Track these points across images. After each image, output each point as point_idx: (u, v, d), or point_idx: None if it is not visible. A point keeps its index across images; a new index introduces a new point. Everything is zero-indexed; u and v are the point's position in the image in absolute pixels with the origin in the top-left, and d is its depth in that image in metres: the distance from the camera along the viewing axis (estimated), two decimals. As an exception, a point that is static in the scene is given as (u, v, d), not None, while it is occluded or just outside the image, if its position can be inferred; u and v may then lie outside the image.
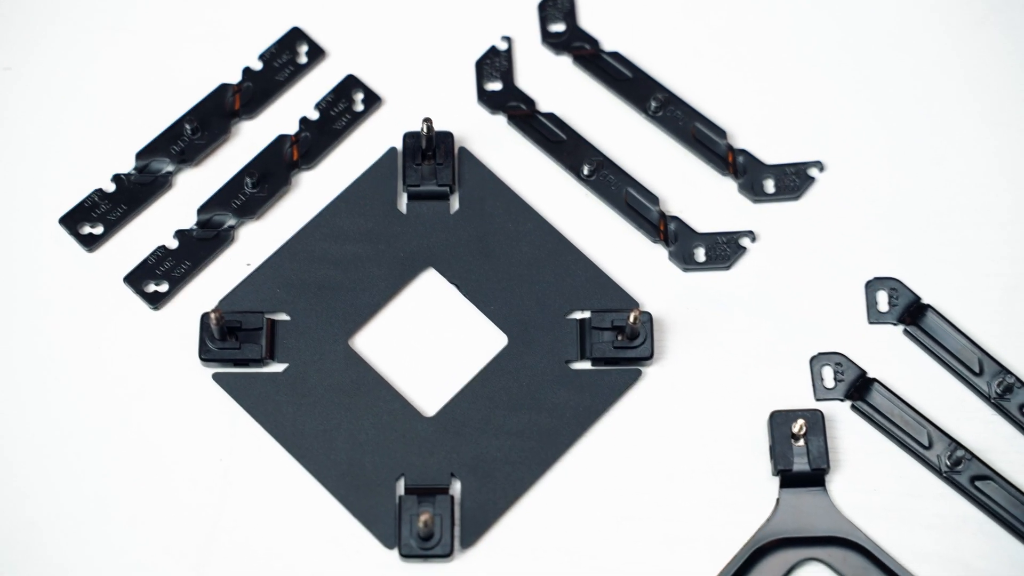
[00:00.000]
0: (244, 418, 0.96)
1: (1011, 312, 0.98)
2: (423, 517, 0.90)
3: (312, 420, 0.96)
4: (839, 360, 0.97)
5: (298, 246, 1.01)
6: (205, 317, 0.96)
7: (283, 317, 0.99)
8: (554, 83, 1.06)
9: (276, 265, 1.00)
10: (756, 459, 0.95)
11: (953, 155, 1.03)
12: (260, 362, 0.97)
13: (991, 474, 0.93)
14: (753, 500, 0.94)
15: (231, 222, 1.01)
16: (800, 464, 0.94)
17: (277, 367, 0.97)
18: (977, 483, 0.93)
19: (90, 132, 1.03)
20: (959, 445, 0.94)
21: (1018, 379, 0.95)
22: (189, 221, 1.01)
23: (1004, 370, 0.96)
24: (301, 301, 0.99)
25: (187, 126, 1.03)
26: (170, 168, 1.02)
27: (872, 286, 0.99)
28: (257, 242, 1.01)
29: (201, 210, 1.01)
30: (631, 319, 0.95)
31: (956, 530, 0.93)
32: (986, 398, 0.96)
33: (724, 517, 0.94)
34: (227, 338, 0.97)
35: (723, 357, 0.98)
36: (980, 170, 1.02)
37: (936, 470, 0.94)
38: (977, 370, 0.96)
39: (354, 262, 1.00)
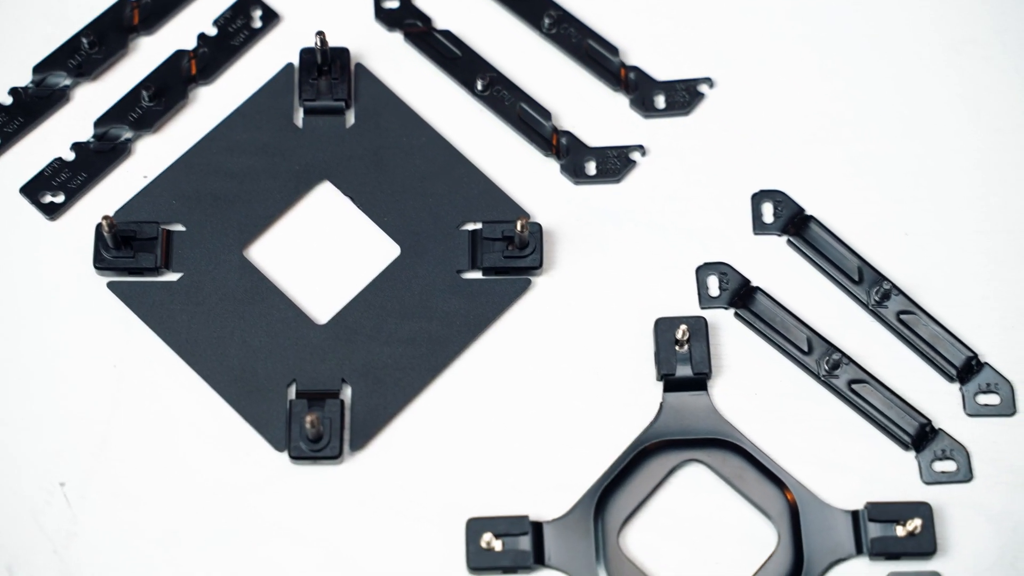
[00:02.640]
0: (138, 326, 0.97)
1: (890, 223, 1.00)
2: (308, 418, 0.92)
3: (206, 328, 0.97)
4: (724, 270, 0.99)
5: (194, 159, 1.02)
6: (99, 226, 0.97)
7: (179, 228, 1.00)
8: (450, 1, 1.08)
9: (172, 177, 1.01)
10: (641, 365, 0.97)
11: (838, 73, 1.05)
12: (155, 271, 0.99)
13: (867, 378, 0.96)
14: (638, 405, 0.96)
15: (128, 135, 1.02)
16: (683, 369, 0.96)
17: (172, 276, 0.99)
18: (854, 386, 0.96)
19: (-13, 45, 1.05)
20: (837, 350, 0.96)
21: (895, 286, 0.98)
22: (86, 134, 1.02)
23: (882, 278, 0.98)
24: (197, 212, 1.01)
25: (84, 40, 1.03)
26: (67, 82, 1.03)
27: (758, 198, 1.01)
28: (154, 155, 1.02)
29: (98, 123, 1.02)
30: (518, 227, 0.97)
31: (833, 432, 0.95)
32: (865, 305, 0.98)
33: (609, 421, 0.96)
34: (122, 247, 0.98)
35: (612, 267, 1.00)
36: (863, 86, 1.04)
37: (815, 374, 0.96)
38: (857, 279, 0.99)
39: (250, 175, 1.02)
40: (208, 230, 1.00)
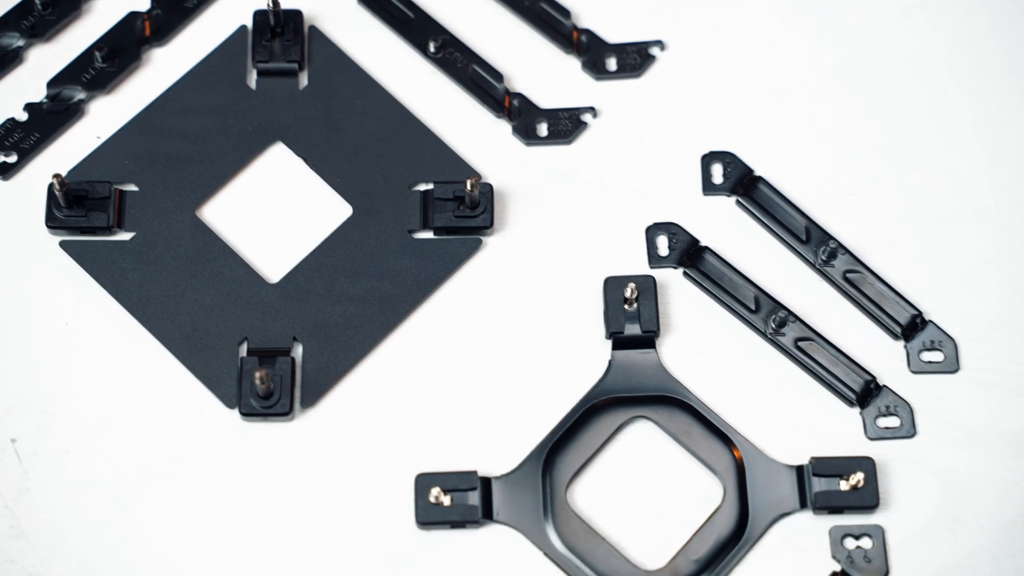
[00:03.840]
0: (90, 284, 0.98)
1: (838, 184, 1.01)
2: (258, 374, 0.92)
3: (158, 287, 0.98)
4: (673, 230, 1.00)
5: (148, 119, 1.03)
6: (51, 185, 0.98)
7: (131, 188, 1.01)
8: (404, -36, 1.08)
9: (125, 137, 1.02)
10: (591, 324, 0.98)
11: (787, 36, 1.06)
12: (107, 230, 0.99)
13: (813, 335, 0.97)
14: (587, 362, 0.97)
15: (81, 96, 1.03)
16: (631, 328, 0.97)
17: (124, 236, 0.99)
18: (800, 344, 0.97)
19: (-61, 7, 1.05)
20: (783, 308, 0.97)
21: (841, 246, 0.98)
22: (39, 95, 1.03)
23: (829, 237, 0.99)
24: (150, 172, 1.01)
25: (37, 1, 1.04)
26: (20, 43, 1.04)
27: (707, 159, 1.02)
28: (107, 116, 1.03)
29: (51, 84, 1.03)
30: (468, 186, 0.98)
31: (779, 388, 0.96)
32: (812, 264, 0.99)
33: (558, 379, 0.97)
34: (74, 207, 0.99)
35: (563, 228, 1.01)
36: (812, 50, 1.05)
37: (762, 332, 0.97)
38: (804, 238, 1.00)
39: (203, 135, 1.02)
40: (161, 190, 1.01)
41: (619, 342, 0.97)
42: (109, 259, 0.99)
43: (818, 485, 0.92)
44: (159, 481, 0.94)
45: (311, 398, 0.96)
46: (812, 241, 0.99)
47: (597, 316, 0.98)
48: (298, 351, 0.97)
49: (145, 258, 0.99)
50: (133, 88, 1.04)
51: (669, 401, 0.96)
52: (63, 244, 0.99)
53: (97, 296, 0.98)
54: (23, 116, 1.02)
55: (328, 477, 0.94)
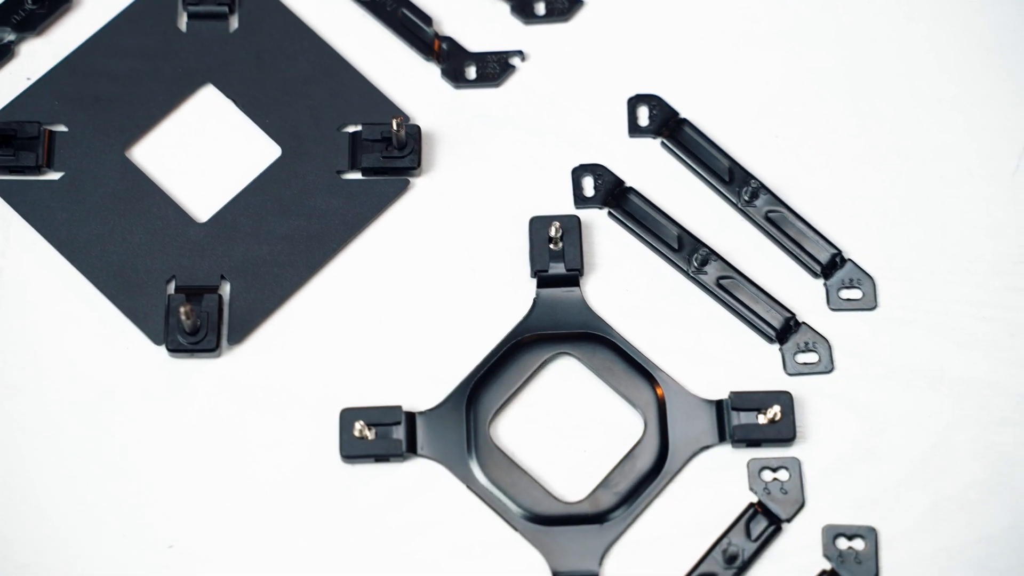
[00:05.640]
0: (19, 223, 0.99)
1: (762, 126, 1.03)
2: (183, 309, 0.93)
3: (87, 226, 0.99)
4: (599, 171, 1.01)
5: (78, 61, 1.03)
6: (-24, 123, 0.99)
7: (61, 128, 1.01)
8: (335, -91, 1.09)
9: (55, 79, 1.02)
10: (517, 263, 0.99)
11: (715, -21, 1.07)
12: (36, 170, 1.00)
13: (734, 274, 0.98)
14: (513, 301, 0.98)
15: (11, 37, 1.03)
16: (556, 266, 0.98)
17: (53, 175, 1.00)
18: (722, 282, 0.98)
19: None
20: (706, 246, 0.99)
21: (763, 186, 1.00)
22: (-31, 36, 1.03)
23: (751, 178, 1.00)
24: (79, 113, 1.02)
25: (-33, -57, 1.04)
26: (-50, -15, 1.04)
27: (633, 102, 1.03)
28: (38, 57, 1.03)
29: (-20, 25, 1.03)
30: (394, 126, 0.98)
31: (701, 326, 0.98)
32: (735, 205, 1.00)
33: (484, 316, 0.98)
34: (3, 146, 0.99)
35: (490, 169, 1.02)
36: (739, -7, 1.07)
37: (684, 271, 0.99)
38: (727, 179, 1.01)
39: (133, 77, 1.03)
40: (90, 131, 1.01)
41: (544, 280, 0.98)
42: (38, 198, 0.99)
43: (736, 419, 0.94)
44: (86, 416, 0.94)
45: (238, 335, 0.97)
46: (735, 182, 1.01)
47: (523, 255, 0.99)
48: (226, 289, 0.98)
49: (74, 197, 0.99)
50: (63, 30, 1.04)
51: (592, 338, 0.97)
52: (-9, 183, 1.00)
53: (25, 234, 0.98)
54: (-48, 57, 1.02)
55: (254, 412, 0.95)
